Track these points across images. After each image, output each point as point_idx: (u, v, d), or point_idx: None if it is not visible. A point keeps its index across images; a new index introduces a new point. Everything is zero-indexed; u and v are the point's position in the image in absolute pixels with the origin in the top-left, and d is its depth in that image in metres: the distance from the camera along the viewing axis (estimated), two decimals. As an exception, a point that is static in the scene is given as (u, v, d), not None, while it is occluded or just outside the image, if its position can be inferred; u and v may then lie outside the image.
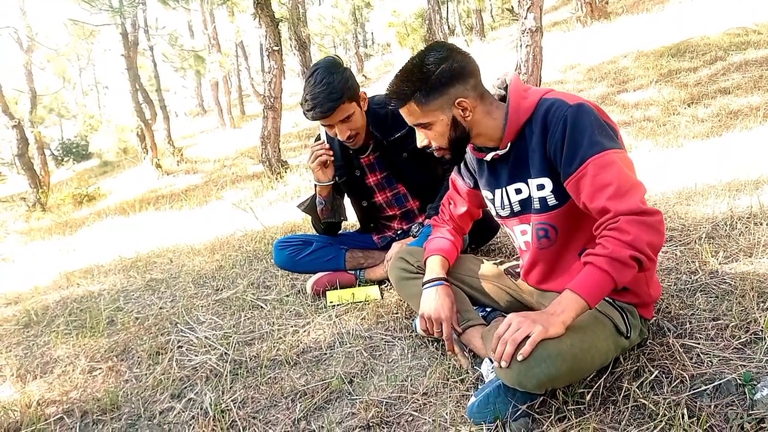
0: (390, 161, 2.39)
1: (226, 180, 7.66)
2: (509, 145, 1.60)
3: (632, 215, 1.35)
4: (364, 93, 2.28)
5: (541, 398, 1.52)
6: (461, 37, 18.51)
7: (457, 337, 1.81)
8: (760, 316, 1.68)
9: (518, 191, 1.65)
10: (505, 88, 1.63)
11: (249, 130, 15.71)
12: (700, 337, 1.67)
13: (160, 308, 2.75)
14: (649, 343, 1.68)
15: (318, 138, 2.39)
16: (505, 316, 1.84)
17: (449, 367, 1.78)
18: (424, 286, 1.82)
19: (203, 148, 14.75)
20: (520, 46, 6.18)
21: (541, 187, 1.57)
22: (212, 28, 20.07)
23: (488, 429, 1.47)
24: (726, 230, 2.34)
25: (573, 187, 1.47)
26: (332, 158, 2.28)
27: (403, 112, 1.60)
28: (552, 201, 1.58)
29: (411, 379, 1.79)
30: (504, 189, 1.69)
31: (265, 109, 6.17)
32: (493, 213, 1.80)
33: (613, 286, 1.36)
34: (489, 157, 1.66)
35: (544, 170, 1.55)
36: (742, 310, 1.74)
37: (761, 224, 2.30)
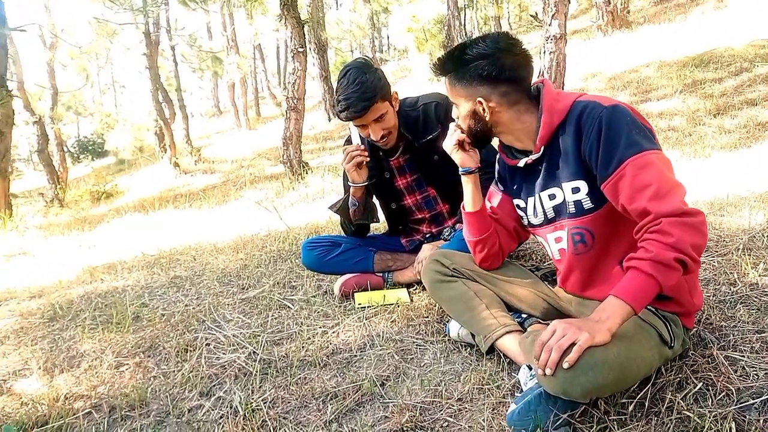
0: (420, 164, 2.37)
1: (245, 180, 7.67)
2: (542, 149, 1.58)
3: (674, 216, 1.32)
4: (396, 93, 2.27)
5: (583, 408, 1.49)
6: (479, 43, 18.48)
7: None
8: (807, 331, 1.64)
9: (552, 197, 1.63)
10: (537, 94, 1.61)
11: (265, 132, 15.77)
12: (745, 350, 1.63)
13: (186, 305, 2.74)
14: (691, 354, 1.65)
15: (348, 139, 2.37)
16: (542, 322, 1.83)
17: (484, 373, 1.76)
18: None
19: (220, 149, 14.82)
20: (544, 53, 6.16)
21: (576, 190, 1.55)
22: (231, 29, 20.17)
23: (528, 437, 1.44)
24: (764, 242, 2.30)
25: (611, 189, 1.45)
26: (368, 159, 2.27)
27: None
28: (588, 204, 1.55)
29: (445, 384, 1.76)
30: (537, 196, 1.67)
31: (288, 110, 6.18)
32: (525, 222, 1.78)
33: (658, 290, 1.34)
34: (522, 162, 1.64)
35: (579, 173, 1.53)
36: (787, 324, 1.71)
37: (801, 237, 2.26)
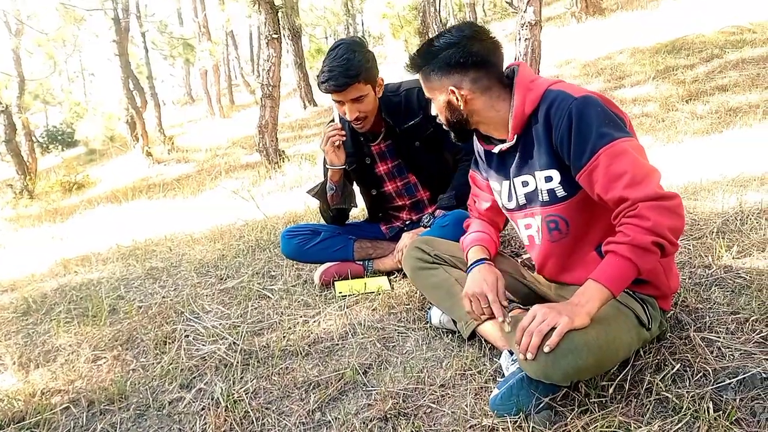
0: (402, 150, 2.36)
1: (220, 170, 7.58)
2: (516, 137, 1.59)
3: (650, 201, 1.34)
4: (382, 79, 2.25)
5: (564, 391, 1.51)
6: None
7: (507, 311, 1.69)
8: (780, 311, 1.68)
9: (525, 183, 1.64)
10: (512, 77, 1.61)
11: (239, 120, 15.57)
12: (720, 331, 1.66)
13: (163, 297, 2.71)
14: (669, 336, 1.68)
15: (332, 122, 2.35)
16: (522, 308, 1.85)
17: (466, 359, 1.77)
18: (467, 270, 1.78)
19: (193, 138, 14.60)
20: (519, 39, 6.15)
21: (548, 179, 1.57)
22: (202, 15, 19.84)
23: (511, 422, 1.45)
24: (737, 225, 2.34)
25: (586, 179, 1.46)
26: (344, 138, 2.25)
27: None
28: (561, 192, 1.57)
29: (427, 371, 1.77)
30: (511, 181, 1.68)
31: (263, 98, 6.10)
32: (500, 204, 1.79)
33: (636, 274, 1.36)
34: (497, 149, 1.65)
35: (551, 162, 1.54)
36: (760, 305, 1.74)
37: (773, 220, 2.30)
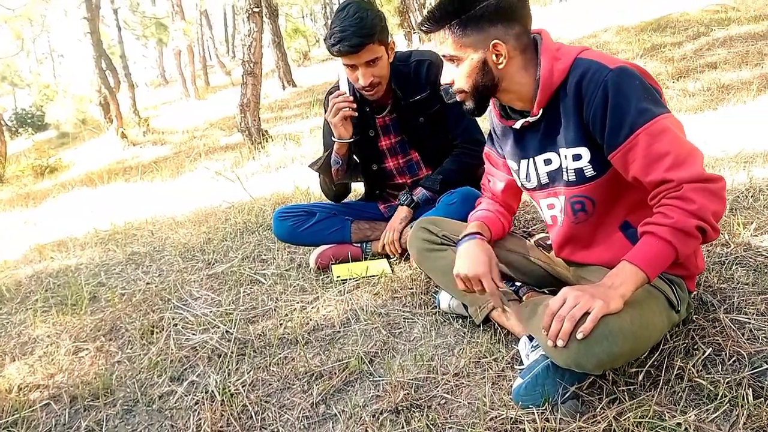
0: (406, 125, 2.22)
1: (199, 151, 7.36)
2: (541, 111, 1.44)
3: (696, 182, 1.23)
4: (393, 42, 2.10)
5: (591, 379, 1.41)
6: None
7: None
8: (811, 291, 1.60)
9: (548, 162, 1.50)
10: (535, 46, 1.45)
11: (215, 101, 15.24)
12: (750, 312, 1.58)
13: (148, 284, 2.55)
14: (695, 318, 1.58)
15: (332, 90, 2.18)
16: (537, 291, 1.74)
17: (480, 346, 1.66)
18: (457, 244, 1.65)
19: (169, 119, 14.23)
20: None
21: (577, 157, 1.43)
22: (176, -6, 19.28)
23: (538, 413, 1.35)
24: (749, 202, 2.26)
25: (620, 159, 1.33)
26: (356, 113, 2.10)
27: (435, 38, 1.44)
28: (590, 172, 1.43)
29: (438, 359, 1.66)
30: (531, 159, 1.54)
31: (244, 75, 5.88)
32: (518, 184, 1.66)
33: (674, 259, 1.25)
34: (519, 124, 1.50)
35: (581, 139, 1.40)
36: (789, 285, 1.66)
37: (787, 196, 2.23)
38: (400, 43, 13.85)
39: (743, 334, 1.50)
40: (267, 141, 6.14)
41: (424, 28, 1.46)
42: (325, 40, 2.05)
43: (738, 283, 1.73)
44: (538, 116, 1.45)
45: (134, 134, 11.65)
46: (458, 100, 1.52)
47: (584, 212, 1.51)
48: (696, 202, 1.21)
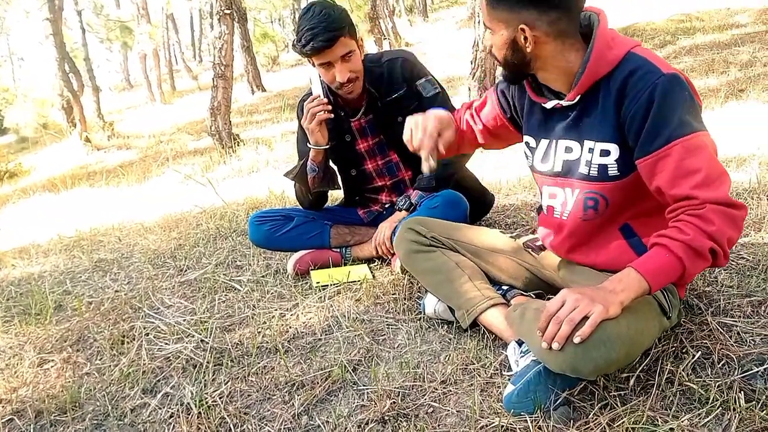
0: (384, 125, 2.18)
1: (167, 156, 7.20)
2: (578, 98, 1.40)
3: (720, 205, 1.21)
4: (362, 39, 2.07)
5: (582, 384, 1.39)
6: (404, 17, 18.33)
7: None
8: (795, 293, 1.60)
9: (568, 149, 1.46)
10: (586, 24, 1.39)
11: (182, 105, 15.04)
12: (737, 315, 1.57)
13: (116, 291, 2.45)
14: (683, 322, 1.57)
15: (306, 97, 2.14)
16: (524, 294, 1.71)
17: (468, 352, 1.62)
18: None
19: (134, 124, 13.98)
20: (478, 22, 6.06)
21: (605, 153, 1.39)
22: (141, -4, 18.97)
23: (531, 420, 1.31)
24: (743, 226, 2.29)
25: (649, 166, 1.30)
26: (332, 115, 2.05)
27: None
28: (613, 171, 1.39)
29: (424, 366, 1.61)
30: (555, 142, 1.49)
31: (214, 77, 5.77)
32: (528, 163, 1.62)
33: (680, 276, 1.22)
34: (551, 104, 1.45)
35: (613, 135, 1.36)
36: (772, 287, 1.67)
37: (762, 199, 2.26)
38: (371, 49, 13.86)
39: (731, 337, 1.49)
40: (238, 145, 6.04)
41: None
42: (294, 44, 2.00)
43: (722, 286, 1.73)
44: (574, 102, 1.40)
45: (98, 139, 11.38)
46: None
47: (595, 210, 1.47)
48: (715, 224, 1.19)
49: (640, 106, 1.28)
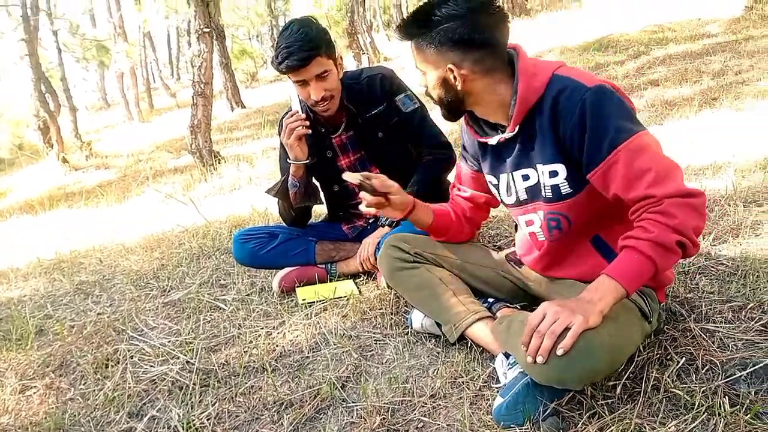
0: (364, 141, 2.19)
1: (147, 174, 7.13)
2: (517, 127, 1.44)
3: (677, 197, 1.23)
4: (341, 57, 2.08)
5: (570, 394, 1.40)
6: (382, 31, 18.45)
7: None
8: (774, 297, 1.63)
9: (526, 177, 1.50)
10: (512, 60, 1.46)
11: (161, 124, 14.92)
12: (718, 321, 1.60)
13: (99, 314, 2.42)
14: (666, 329, 1.60)
15: (287, 113, 2.15)
16: (510, 306, 1.73)
17: (456, 366, 1.62)
18: None
19: (112, 143, 13.81)
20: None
21: (553, 174, 1.43)
22: (117, 16, 18.88)
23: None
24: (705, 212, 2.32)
25: (601, 177, 1.33)
26: (309, 131, 2.06)
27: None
28: (566, 189, 1.43)
29: (413, 381, 1.62)
30: (510, 174, 1.53)
31: (194, 96, 5.75)
32: (499, 200, 1.66)
33: (653, 273, 1.25)
34: (494, 140, 1.49)
35: (557, 156, 1.41)
36: (751, 292, 1.70)
37: (738, 206, 2.30)
38: (350, 64, 13.92)
39: (714, 343, 1.51)
40: (219, 162, 6.01)
41: (396, 36, 1.50)
42: (272, 60, 2.02)
43: (703, 293, 1.76)
44: (515, 132, 1.44)
45: (76, 159, 11.23)
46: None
47: (559, 230, 1.51)
48: (677, 216, 1.21)
49: (574, 124, 1.32)
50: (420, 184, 2.15)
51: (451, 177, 2.00)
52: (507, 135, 1.46)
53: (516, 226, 1.73)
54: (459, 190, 1.79)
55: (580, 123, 1.31)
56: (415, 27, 1.42)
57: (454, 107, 1.49)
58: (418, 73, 1.50)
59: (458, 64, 1.39)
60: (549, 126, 1.38)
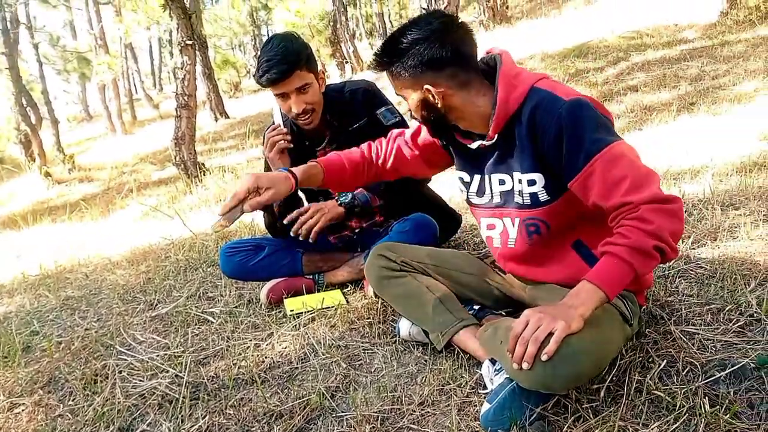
0: None
1: (131, 187, 7.10)
2: (496, 136, 1.49)
3: (654, 203, 1.28)
4: (323, 72, 2.11)
5: (555, 399, 1.43)
6: (365, 40, 18.55)
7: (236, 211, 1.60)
8: (751, 298, 1.68)
9: (502, 182, 1.55)
10: (493, 66, 1.51)
11: (145, 135, 14.86)
12: (698, 323, 1.64)
13: (86, 330, 2.41)
14: (648, 332, 1.63)
15: (270, 126, 2.17)
16: (495, 313, 1.76)
17: (444, 373, 1.65)
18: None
19: (95, 156, 13.74)
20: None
21: (531, 182, 1.48)
22: (98, 27, 18.78)
23: (507, 437, 1.35)
24: (684, 217, 2.38)
25: (579, 186, 1.38)
26: (290, 145, 2.09)
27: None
28: (544, 197, 1.49)
29: (402, 389, 1.64)
30: (488, 176, 1.58)
31: (178, 108, 5.75)
32: (464, 196, 1.70)
33: (632, 278, 1.29)
34: (475, 145, 1.54)
35: (535, 166, 1.46)
36: (729, 294, 1.74)
37: (716, 209, 2.36)
38: (333, 72, 13.97)
39: (694, 345, 1.55)
40: (204, 174, 6.01)
41: (372, 68, 1.55)
42: (253, 74, 2.06)
43: (683, 296, 1.80)
44: (494, 140, 1.49)
45: (59, 172, 11.16)
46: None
47: (538, 234, 1.55)
48: (654, 222, 1.26)
49: (551, 136, 1.38)
50: (391, 192, 2.19)
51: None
52: (487, 142, 1.50)
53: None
54: (406, 144, 1.79)
55: (557, 136, 1.36)
56: (386, 57, 1.49)
57: (440, 124, 1.55)
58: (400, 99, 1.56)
59: (434, 83, 1.45)
60: (527, 137, 1.43)
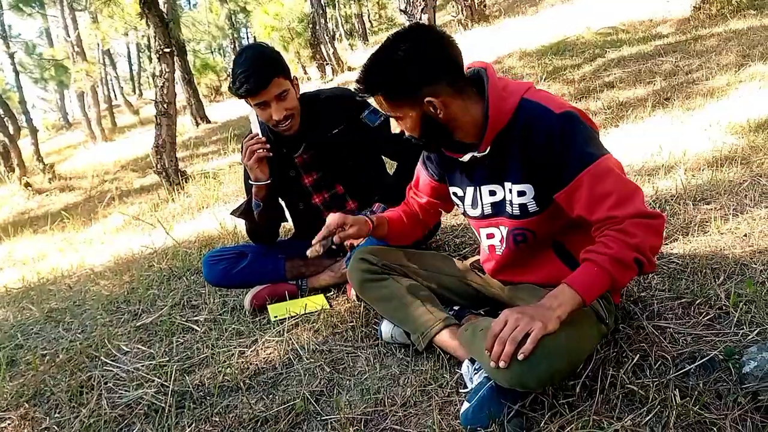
0: (326, 160, 2.25)
1: (113, 196, 7.06)
2: (488, 148, 1.52)
3: (637, 218, 1.33)
4: (296, 78, 2.14)
5: (532, 396, 1.47)
6: (344, 41, 18.56)
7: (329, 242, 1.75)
8: (720, 292, 1.73)
9: (492, 192, 1.59)
10: (477, 78, 1.52)
11: (126, 142, 14.75)
12: (669, 317, 1.70)
13: (71, 341, 2.42)
14: (622, 327, 1.68)
15: (248, 135, 2.19)
16: (475, 313, 1.80)
17: (425, 374, 1.68)
18: None
19: (75, 164, 13.61)
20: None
21: (521, 193, 1.52)
22: (75, 35, 18.61)
23: (486, 434, 1.39)
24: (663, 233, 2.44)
25: (565, 199, 1.43)
26: (269, 154, 2.11)
27: (374, 101, 1.52)
28: (533, 207, 1.53)
29: (384, 391, 1.67)
30: (477, 188, 1.62)
31: (158, 115, 5.74)
32: (461, 211, 1.74)
33: (610, 287, 1.34)
34: (467, 158, 1.55)
35: (525, 177, 1.50)
36: (699, 288, 1.80)
37: (688, 204, 2.42)
38: (314, 74, 13.96)
39: (665, 339, 1.60)
40: (186, 181, 5.99)
41: (359, 96, 1.53)
42: (229, 87, 2.07)
43: (656, 291, 1.85)
44: (486, 152, 1.52)
45: (39, 182, 11.05)
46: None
47: (525, 243, 1.61)
48: (637, 235, 1.31)
49: (541, 149, 1.42)
50: (400, 176, 2.22)
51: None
52: (479, 154, 1.52)
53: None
54: (416, 195, 1.86)
55: (548, 149, 1.41)
56: (376, 82, 1.46)
57: (439, 138, 1.53)
58: (395, 121, 1.55)
59: (434, 93, 1.43)
60: (518, 148, 1.47)
